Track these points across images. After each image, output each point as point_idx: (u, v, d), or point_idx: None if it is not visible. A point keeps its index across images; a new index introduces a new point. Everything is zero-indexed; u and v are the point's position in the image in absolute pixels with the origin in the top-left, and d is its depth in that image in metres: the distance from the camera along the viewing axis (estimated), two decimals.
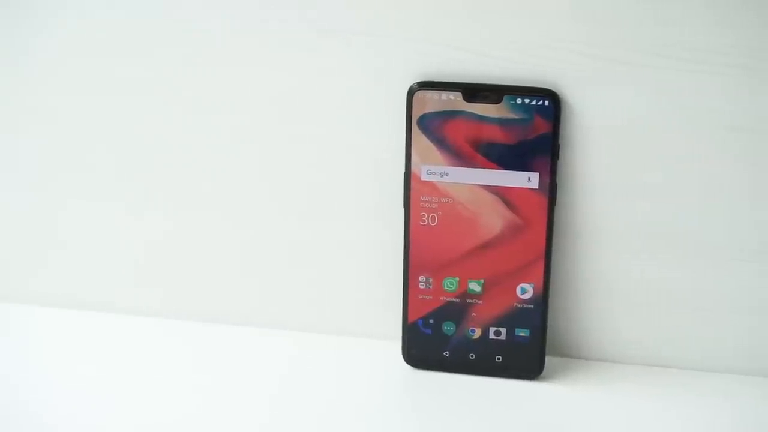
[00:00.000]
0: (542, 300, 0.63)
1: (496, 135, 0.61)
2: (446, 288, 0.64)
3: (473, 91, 0.61)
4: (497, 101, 0.60)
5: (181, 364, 0.66)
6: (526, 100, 0.60)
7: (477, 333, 0.64)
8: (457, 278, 0.64)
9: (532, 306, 0.63)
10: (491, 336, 0.64)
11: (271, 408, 0.62)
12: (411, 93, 0.61)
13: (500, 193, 0.62)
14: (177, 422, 0.60)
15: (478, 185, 0.62)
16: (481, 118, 0.61)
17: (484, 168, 0.61)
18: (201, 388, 0.63)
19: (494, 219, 0.62)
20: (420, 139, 0.62)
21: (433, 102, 0.61)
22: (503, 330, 0.64)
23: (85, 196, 0.69)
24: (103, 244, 0.70)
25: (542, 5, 0.59)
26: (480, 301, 0.64)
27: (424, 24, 0.61)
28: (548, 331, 0.64)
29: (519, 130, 0.61)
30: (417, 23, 0.61)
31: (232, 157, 0.66)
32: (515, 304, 0.63)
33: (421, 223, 0.63)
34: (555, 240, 0.63)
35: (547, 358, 0.64)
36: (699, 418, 0.61)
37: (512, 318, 0.64)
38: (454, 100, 0.61)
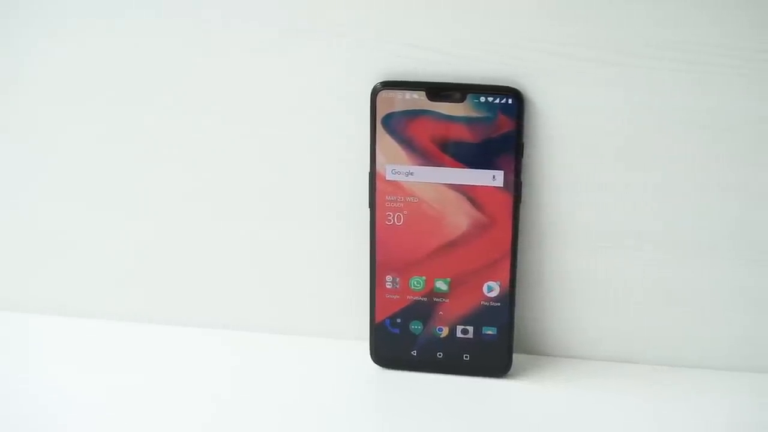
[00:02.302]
0: (509, 298, 0.63)
1: (461, 134, 0.61)
2: (413, 287, 0.64)
3: (437, 90, 0.61)
4: (461, 100, 0.60)
5: (147, 367, 0.66)
6: (490, 99, 0.60)
7: (444, 332, 0.64)
8: (424, 277, 0.64)
9: (498, 304, 0.63)
10: (458, 334, 0.64)
11: (237, 409, 0.61)
12: (375, 93, 0.61)
13: (465, 191, 0.62)
14: (151, 425, 0.60)
15: (444, 184, 0.62)
16: (446, 117, 0.61)
17: (449, 167, 0.61)
18: (170, 390, 0.63)
19: (460, 218, 0.62)
20: (384, 138, 0.62)
21: (397, 101, 0.61)
22: (470, 328, 0.64)
23: (58, 201, 0.69)
24: (73, 250, 0.70)
25: (511, 4, 0.59)
26: (447, 300, 0.64)
27: (388, 23, 0.61)
28: (515, 328, 0.64)
29: (483, 128, 0.61)
30: (381, 23, 0.61)
31: (196, 158, 0.66)
32: (482, 302, 0.64)
33: (387, 222, 0.63)
34: (521, 238, 0.63)
35: (514, 356, 0.64)
36: (669, 413, 0.61)
37: (479, 316, 0.64)
38: (418, 100, 0.61)
